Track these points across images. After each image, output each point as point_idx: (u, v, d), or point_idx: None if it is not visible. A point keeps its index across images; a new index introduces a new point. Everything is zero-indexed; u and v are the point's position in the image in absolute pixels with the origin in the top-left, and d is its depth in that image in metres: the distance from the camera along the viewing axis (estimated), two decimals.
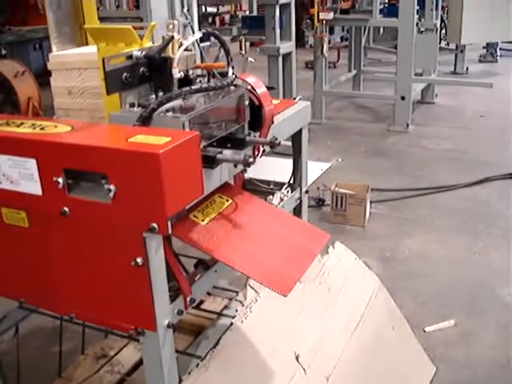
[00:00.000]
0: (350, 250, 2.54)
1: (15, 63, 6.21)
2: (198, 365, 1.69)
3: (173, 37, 1.63)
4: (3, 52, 7.45)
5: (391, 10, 6.71)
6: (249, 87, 1.70)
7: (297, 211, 2.31)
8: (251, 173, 1.94)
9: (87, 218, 1.38)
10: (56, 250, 1.49)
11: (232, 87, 1.67)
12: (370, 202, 4.42)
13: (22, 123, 1.48)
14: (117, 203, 1.31)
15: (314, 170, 5.12)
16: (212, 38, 1.96)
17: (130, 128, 1.44)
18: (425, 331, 2.98)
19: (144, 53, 1.62)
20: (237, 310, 1.89)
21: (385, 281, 2.54)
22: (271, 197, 2.08)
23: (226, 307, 2.19)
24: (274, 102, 1.82)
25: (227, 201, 1.69)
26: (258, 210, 1.76)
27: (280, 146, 1.69)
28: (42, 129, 1.43)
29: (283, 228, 1.77)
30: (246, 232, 1.63)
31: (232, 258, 1.55)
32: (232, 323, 1.87)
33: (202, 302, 2.30)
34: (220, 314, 2.11)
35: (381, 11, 6.77)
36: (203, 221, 1.58)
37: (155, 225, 1.30)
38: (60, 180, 1.34)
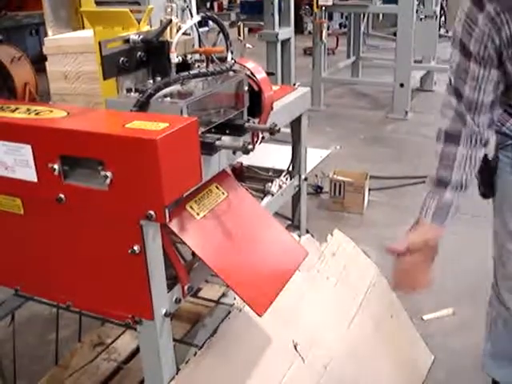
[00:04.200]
0: (349, 237, 2.52)
1: (11, 48, 6.16)
2: (195, 353, 1.68)
3: (171, 20, 1.61)
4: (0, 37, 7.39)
5: None
6: (248, 72, 1.67)
7: (295, 199, 2.30)
8: (250, 160, 1.92)
9: (83, 205, 1.35)
10: (52, 237, 1.46)
11: (231, 72, 1.64)
12: (369, 190, 4.40)
13: (16, 108, 1.45)
14: (113, 190, 1.28)
15: (312, 157, 5.10)
16: (210, 23, 1.92)
17: (126, 113, 1.41)
18: (423, 319, 2.97)
19: (141, 37, 1.59)
20: (235, 298, 1.88)
21: (383, 269, 2.52)
22: (270, 184, 2.06)
23: (223, 295, 2.18)
24: (274, 87, 1.79)
25: (223, 194, 1.67)
26: (248, 213, 1.74)
27: (279, 133, 1.67)
28: (37, 114, 1.40)
29: (268, 238, 1.76)
30: (233, 238, 1.62)
31: (218, 264, 1.53)
32: (230, 311, 1.86)
33: (199, 289, 2.28)
34: (218, 302, 2.10)
35: None
36: (198, 215, 1.56)
37: (152, 212, 1.27)
38: (56, 166, 1.32)
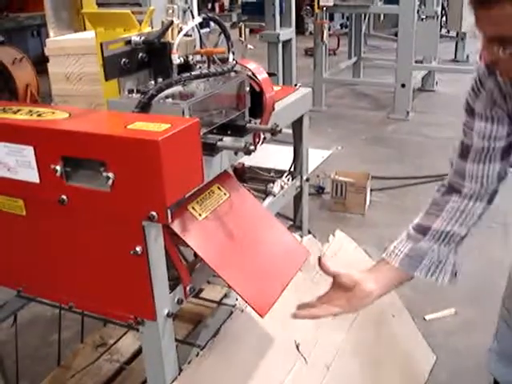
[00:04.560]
0: (350, 238, 2.52)
1: (13, 50, 6.16)
2: (197, 354, 1.68)
3: (172, 21, 1.61)
4: (1, 39, 7.39)
5: None
6: (249, 73, 1.67)
7: (297, 199, 2.30)
8: (252, 160, 1.92)
9: (86, 207, 1.36)
10: (54, 238, 1.47)
11: (232, 73, 1.65)
12: (370, 190, 4.40)
13: (18, 110, 1.45)
14: (116, 191, 1.29)
15: (314, 157, 5.10)
16: (212, 24, 1.93)
17: (128, 115, 1.42)
18: (425, 319, 2.97)
19: (143, 38, 1.59)
20: (237, 299, 1.88)
21: None
22: (271, 185, 2.06)
23: (225, 296, 2.18)
24: (275, 88, 1.79)
25: (225, 195, 1.67)
26: (250, 213, 1.74)
27: (280, 134, 1.67)
28: (39, 115, 1.41)
29: (270, 238, 1.76)
30: (235, 239, 1.62)
31: (220, 265, 1.53)
32: (232, 312, 1.86)
33: (201, 290, 2.29)
34: (220, 303, 2.10)
35: None
36: (200, 215, 1.56)
37: (154, 213, 1.28)
38: (58, 168, 1.32)
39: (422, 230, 1.64)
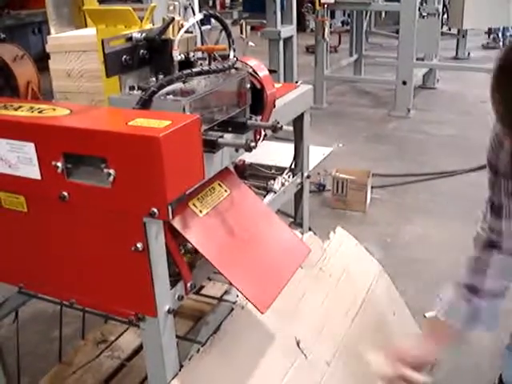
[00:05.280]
0: (351, 235, 2.52)
1: (14, 47, 6.14)
2: (198, 350, 1.68)
3: (173, 18, 1.61)
4: (2, 36, 7.38)
5: None
6: (250, 70, 1.67)
7: (298, 196, 2.30)
8: (252, 157, 1.92)
9: (87, 203, 1.36)
10: (55, 234, 1.47)
11: (233, 70, 1.65)
12: (371, 188, 4.40)
13: (19, 106, 1.45)
14: (117, 188, 1.29)
15: (315, 154, 5.11)
16: (213, 21, 1.93)
17: (129, 111, 1.42)
18: (425, 317, 2.97)
19: (144, 35, 1.60)
20: (237, 296, 1.88)
21: (385, 266, 2.52)
22: (272, 181, 2.07)
23: (226, 292, 2.18)
24: (276, 85, 1.79)
25: (225, 191, 1.68)
26: (250, 210, 1.74)
27: (281, 131, 1.67)
28: (40, 112, 1.41)
29: (270, 235, 1.76)
30: (236, 236, 1.62)
31: (221, 262, 1.53)
32: (232, 309, 1.86)
33: (202, 287, 2.29)
34: (220, 300, 2.10)
35: None
36: (201, 212, 1.56)
37: (155, 210, 1.28)
38: (59, 164, 1.32)
39: (474, 290, 1.67)
